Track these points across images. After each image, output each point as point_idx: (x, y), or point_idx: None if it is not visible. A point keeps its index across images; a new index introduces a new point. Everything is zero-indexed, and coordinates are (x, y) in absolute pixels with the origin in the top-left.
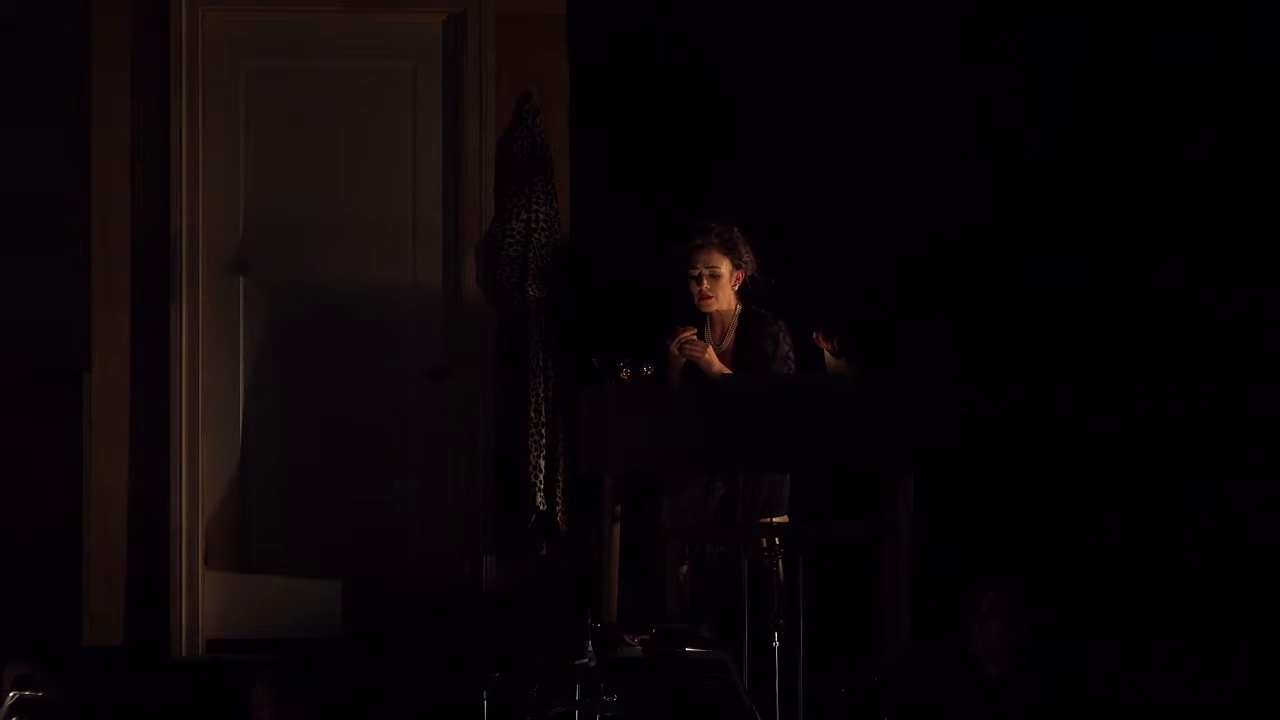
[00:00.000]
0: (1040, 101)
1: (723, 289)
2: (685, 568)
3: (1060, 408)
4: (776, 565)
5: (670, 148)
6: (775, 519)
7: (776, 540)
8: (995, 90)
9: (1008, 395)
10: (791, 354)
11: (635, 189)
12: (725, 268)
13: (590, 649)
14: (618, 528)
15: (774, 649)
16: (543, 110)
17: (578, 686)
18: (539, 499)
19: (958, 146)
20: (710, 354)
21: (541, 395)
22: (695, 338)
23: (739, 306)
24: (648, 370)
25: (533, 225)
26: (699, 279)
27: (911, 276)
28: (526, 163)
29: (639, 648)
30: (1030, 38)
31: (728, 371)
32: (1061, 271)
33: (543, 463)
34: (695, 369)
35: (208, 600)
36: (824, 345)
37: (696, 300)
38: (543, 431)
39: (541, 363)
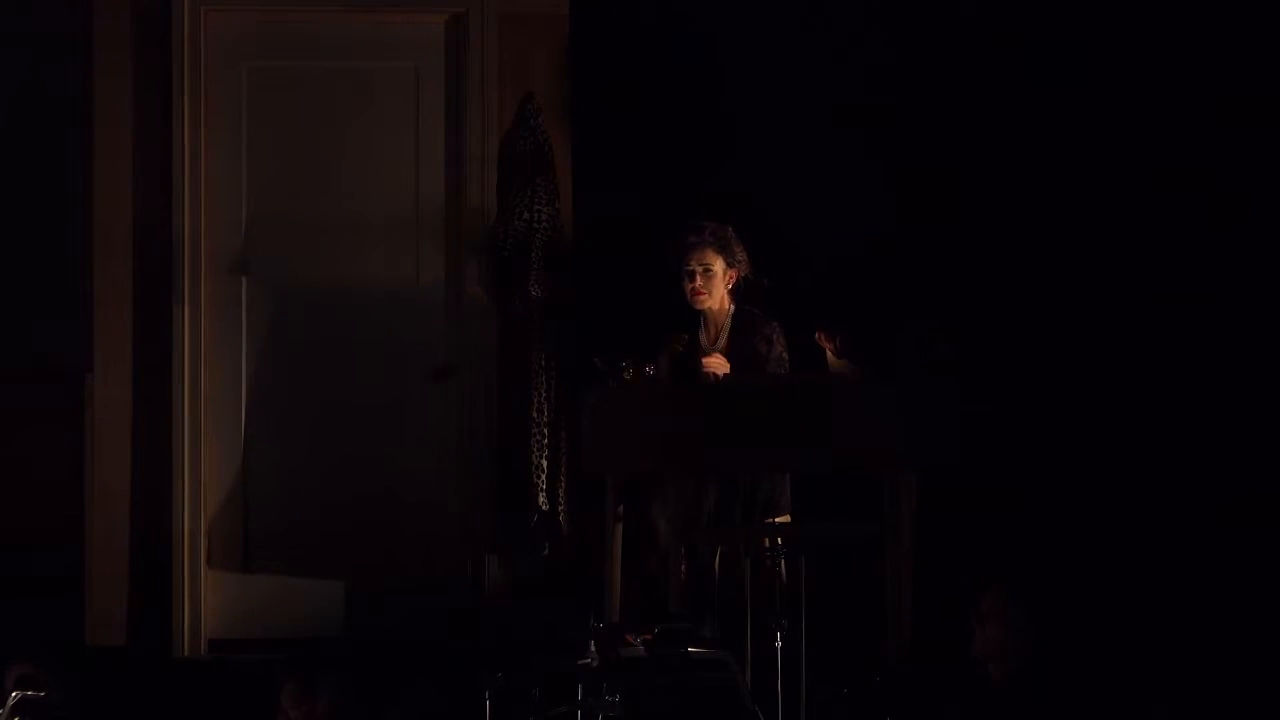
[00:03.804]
0: (1040, 101)
1: (715, 286)
2: (684, 567)
3: (1061, 408)
4: (779, 565)
5: (673, 147)
6: (777, 519)
7: (779, 540)
8: (995, 89)
9: (1008, 395)
10: (785, 355)
11: (637, 189)
12: (719, 265)
13: (592, 649)
14: (620, 527)
15: (776, 649)
16: (545, 110)
17: (580, 686)
18: (541, 499)
19: (959, 147)
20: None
21: (544, 395)
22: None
23: (732, 306)
24: (650, 370)
25: (535, 225)
26: (692, 275)
27: (912, 276)
28: (529, 163)
29: (641, 647)
30: (1031, 38)
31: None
32: (1063, 271)
33: (545, 462)
34: (683, 367)
35: (210, 600)
36: (826, 345)
37: (689, 297)
38: (545, 431)
39: (544, 363)
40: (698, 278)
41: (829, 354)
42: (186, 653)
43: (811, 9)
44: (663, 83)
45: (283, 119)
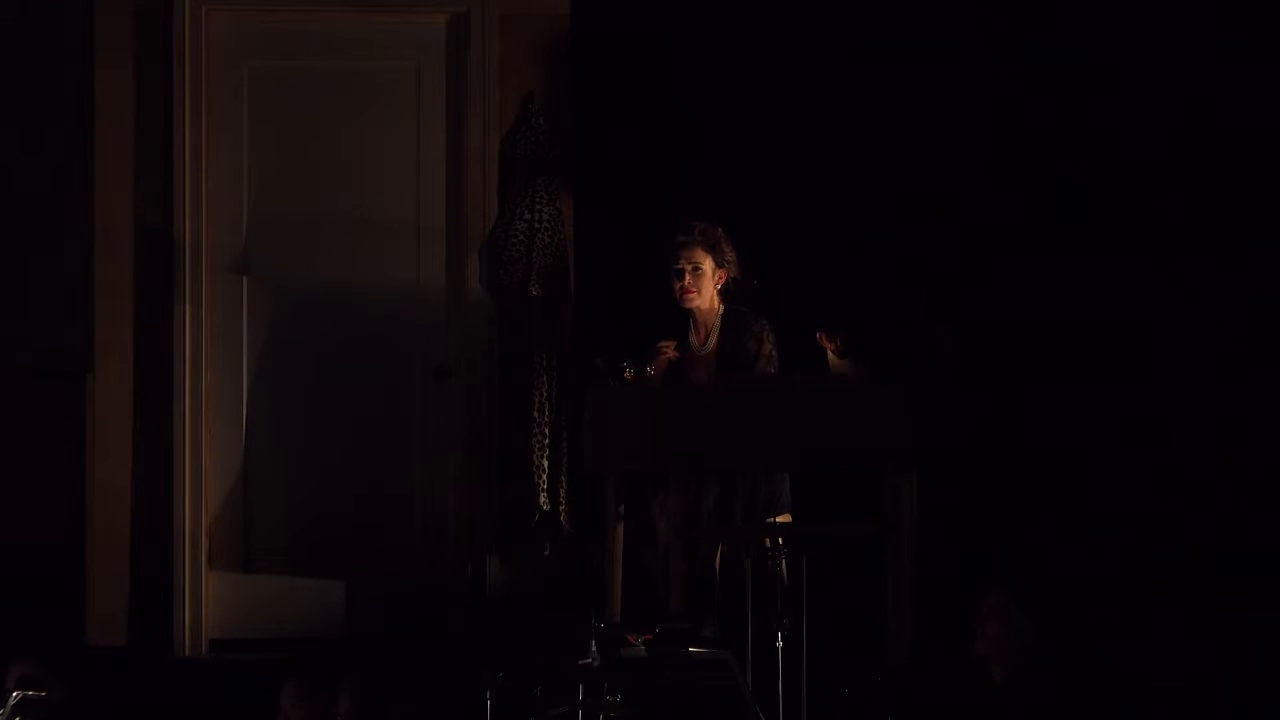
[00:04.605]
0: (1037, 95)
1: (705, 285)
2: (684, 567)
3: (1061, 407)
4: (779, 565)
5: (673, 147)
6: (778, 519)
7: (779, 540)
8: (992, 86)
9: (1008, 395)
10: (775, 353)
11: (638, 189)
12: (708, 265)
13: (593, 649)
14: (621, 527)
15: (777, 649)
16: (546, 110)
17: (581, 686)
18: (542, 499)
19: (959, 147)
20: None
21: (545, 395)
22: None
23: (722, 306)
24: (651, 370)
25: (536, 225)
26: (681, 274)
27: (912, 276)
28: (530, 163)
29: (642, 647)
30: (1030, 30)
31: None
32: (1064, 269)
33: (546, 463)
34: (678, 370)
35: (211, 600)
36: (827, 345)
37: (678, 295)
38: (546, 431)
39: (545, 363)
40: (686, 276)
41: (830, 354)
42: (187, 653)
43: (811, 9)
44: (663, 82)
45: (283, 119)
